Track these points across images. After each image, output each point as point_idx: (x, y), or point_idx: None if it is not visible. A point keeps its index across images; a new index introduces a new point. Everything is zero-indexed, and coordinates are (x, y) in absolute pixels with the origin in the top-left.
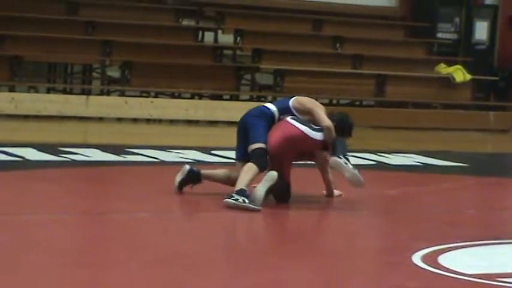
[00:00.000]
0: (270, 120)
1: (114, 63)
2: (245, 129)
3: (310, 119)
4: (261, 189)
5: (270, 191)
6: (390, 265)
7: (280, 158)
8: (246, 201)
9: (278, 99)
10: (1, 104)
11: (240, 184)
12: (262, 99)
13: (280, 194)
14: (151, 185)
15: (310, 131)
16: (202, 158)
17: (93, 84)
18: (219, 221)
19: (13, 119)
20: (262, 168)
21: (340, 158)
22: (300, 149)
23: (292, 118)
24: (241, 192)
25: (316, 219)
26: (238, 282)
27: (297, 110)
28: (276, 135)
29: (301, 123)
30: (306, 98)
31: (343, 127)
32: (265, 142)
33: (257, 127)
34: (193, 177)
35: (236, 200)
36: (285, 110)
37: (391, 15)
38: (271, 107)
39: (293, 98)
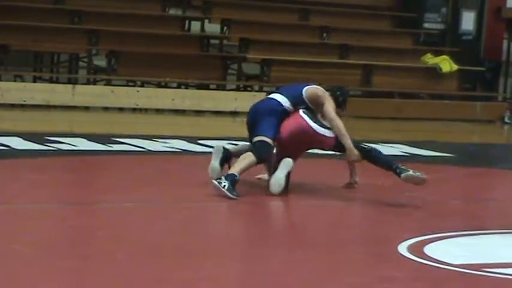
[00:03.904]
0: (280, 116)
1: (100, 53)
2: (254, 122)
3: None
4: (280, 175)
5: (288, 177)
6: (376, 255)
7: (290, 149)
8: (226, 186)
9: (287, 86)
10: None
11: (234, 168)
12: (249, 89)
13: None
14: (138, 174)
15: (320, 127)
16: (189, 147)
17: (79, 74)
18: (207, 211)
19: None
20: (260, 160)
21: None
22: (309, 142)
23: (304, 112)
24: (229, 177)
25: (302, 210)
26: (223, 272)
27: (310, 102)
28: (288, 127)
29: (312, 119)
30: (318, 90)
31: (343, 99)
32: (269, 136)
33: (265, 122)
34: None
35: (220, 183)
36: (298, 100)
37: (378, 6)
38: (283, 101)
39: (305, 89)
